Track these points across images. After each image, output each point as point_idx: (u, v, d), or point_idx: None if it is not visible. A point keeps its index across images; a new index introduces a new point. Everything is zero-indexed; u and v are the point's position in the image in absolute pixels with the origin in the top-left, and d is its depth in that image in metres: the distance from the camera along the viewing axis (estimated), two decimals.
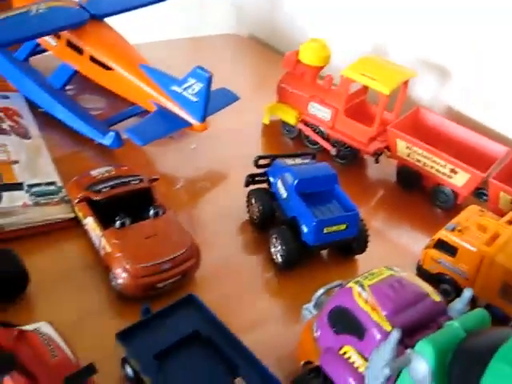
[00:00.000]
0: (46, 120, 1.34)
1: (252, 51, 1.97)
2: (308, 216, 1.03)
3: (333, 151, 1.38)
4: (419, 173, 1.31)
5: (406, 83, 1.33)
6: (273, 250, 1.09)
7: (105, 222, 1.02)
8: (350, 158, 1.38)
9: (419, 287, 0.77)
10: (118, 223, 1.00)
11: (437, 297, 0.77)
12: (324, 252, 1.15)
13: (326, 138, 1.39)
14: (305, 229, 1.04)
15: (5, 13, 1.26)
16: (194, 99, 1.21)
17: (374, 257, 1.15)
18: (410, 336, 0.71)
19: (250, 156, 1.38)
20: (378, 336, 0.71)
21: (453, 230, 1.05)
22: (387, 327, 0.71)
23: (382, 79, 1.26)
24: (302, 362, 0.85)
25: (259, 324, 0.99)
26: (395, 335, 0.67)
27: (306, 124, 1.41)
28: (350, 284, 0.77)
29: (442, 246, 1.06)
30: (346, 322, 0.76)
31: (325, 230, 1.03)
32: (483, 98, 1.47)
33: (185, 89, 1.21)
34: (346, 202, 1.09)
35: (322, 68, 1.39)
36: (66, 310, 0.96)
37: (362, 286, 0.76)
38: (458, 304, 0.76)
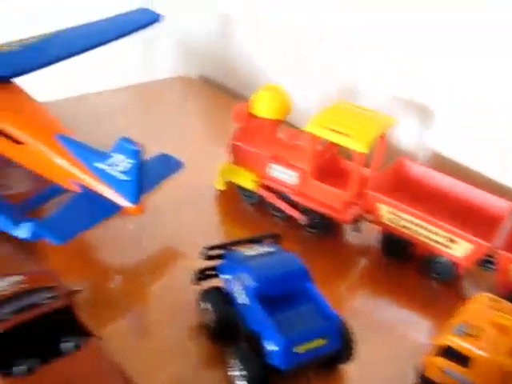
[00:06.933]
0: None
1: (203, 94, 1.73)
2: (272, 333, 0.79)
3: (303, 220, 1.14)
4: (408, 240, 1.08)
5: (383, 134, 1.09)
6: (231, 373, 0.84)
7: (8, 363, 0.77)
8: (324, 226, 1.14)
9: None
10: (21, 369, 0.74)
11: None
12: None
13: (294, 204, 1.15)
14: (270, 347, 0.80)
15: None
16: (123, 178, 0.97)
17: (365, 356, 0.90)
18: None
19: (204, 229, 1.16)
20: None
21: (462, 333, 0.81)
22: None
23: (355, 134, 1.03)
24: None
25: None
26: None
27: (269, 189, 1.17)
28: None
29: (450, 352, 0.82)
30: None
31: (296, 350, 0.79)
32: (474, 140, 1.24)
33: (110, 165, 0.97)
34: (321, 304, 0.84)
35: (281, 121, 1.16)
36: None
37: None
38: None
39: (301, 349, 0.79)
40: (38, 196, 1.12)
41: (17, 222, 1.02)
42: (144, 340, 0.93)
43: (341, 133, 1.04)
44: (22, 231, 1.01)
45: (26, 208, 1.09)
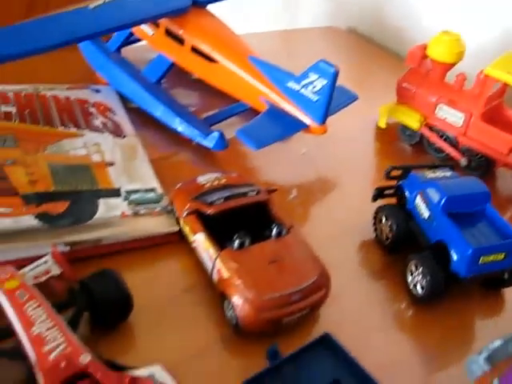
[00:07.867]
0: (139, 116, 1.21)
1: (352, 46, 1.79)
2: (461, 242, 0.86)
3: (463, 161, 1.19)
4: None
5: None
6: (410, 278, 0.92)
7: (217, 240, 0.87)
8: (484, 169, 1.19)
9: None
10: (236, 243, 0.84)
11: None
12: None
13: (454, 146, 1.21)
14: (455, 256, 0.87)
15: None
16: (315, 98, 1.05)
17: None
18: None
19: (363, 163, 1.24)
20: None
21: None
22: None
23: None
24: None
25: (391, 366, 0.82)
26: None
27: (431, 129, 1.24)
28: None
29: None
30: None
31: (480, 260, 0.86)
32: None
33: (304, 86, 1.05)
34: (501, 224, 0.91)
35: (452, 66, 1.21)
36: (173, 345, 0.81)
37: None
38: None
39: (484, 260, 0.86)
40: (221, 112, 1.22)
41: (204, 133, 1.13)
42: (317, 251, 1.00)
43: None
44: (210, 141, 1.12)
45: (210, 122, 1.19)
